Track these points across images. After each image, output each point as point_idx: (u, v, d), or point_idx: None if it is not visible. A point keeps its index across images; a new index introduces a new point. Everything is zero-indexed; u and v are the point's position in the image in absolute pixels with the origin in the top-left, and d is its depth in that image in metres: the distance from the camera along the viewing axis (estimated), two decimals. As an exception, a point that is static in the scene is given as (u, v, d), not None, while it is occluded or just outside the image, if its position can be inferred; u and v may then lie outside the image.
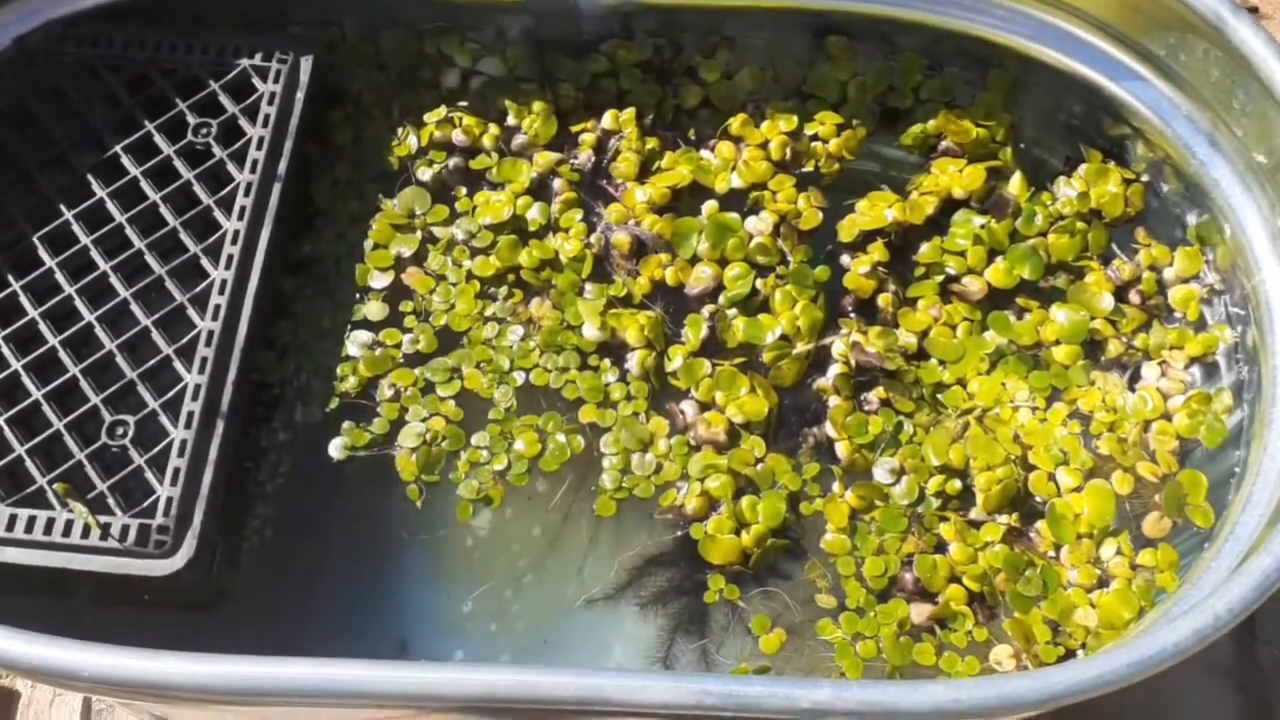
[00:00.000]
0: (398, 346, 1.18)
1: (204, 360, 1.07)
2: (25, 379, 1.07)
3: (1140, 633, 1.00)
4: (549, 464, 1.13)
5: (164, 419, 1.05)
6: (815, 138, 1.28)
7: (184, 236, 1.14)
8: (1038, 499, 1.11)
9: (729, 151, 1.27)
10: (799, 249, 1.22)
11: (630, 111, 1.28)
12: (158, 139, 1.19)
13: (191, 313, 1.10)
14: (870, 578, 1.07)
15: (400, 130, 1.29)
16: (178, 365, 1.07)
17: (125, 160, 1.17)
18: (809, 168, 1.27)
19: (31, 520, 1.00)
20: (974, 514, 1.10)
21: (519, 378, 1.16)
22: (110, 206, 1.15)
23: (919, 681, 0.86)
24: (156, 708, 1.17)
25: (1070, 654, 1.04)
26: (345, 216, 1.25)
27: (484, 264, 1.21)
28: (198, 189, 1.16)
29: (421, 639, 1.06)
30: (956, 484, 1.10)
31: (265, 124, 1.19)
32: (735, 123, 1.28)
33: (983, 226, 1.22)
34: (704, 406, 1.15)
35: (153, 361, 1.08)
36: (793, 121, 1.28)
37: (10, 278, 1.11)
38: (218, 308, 1.09)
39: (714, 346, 1.18)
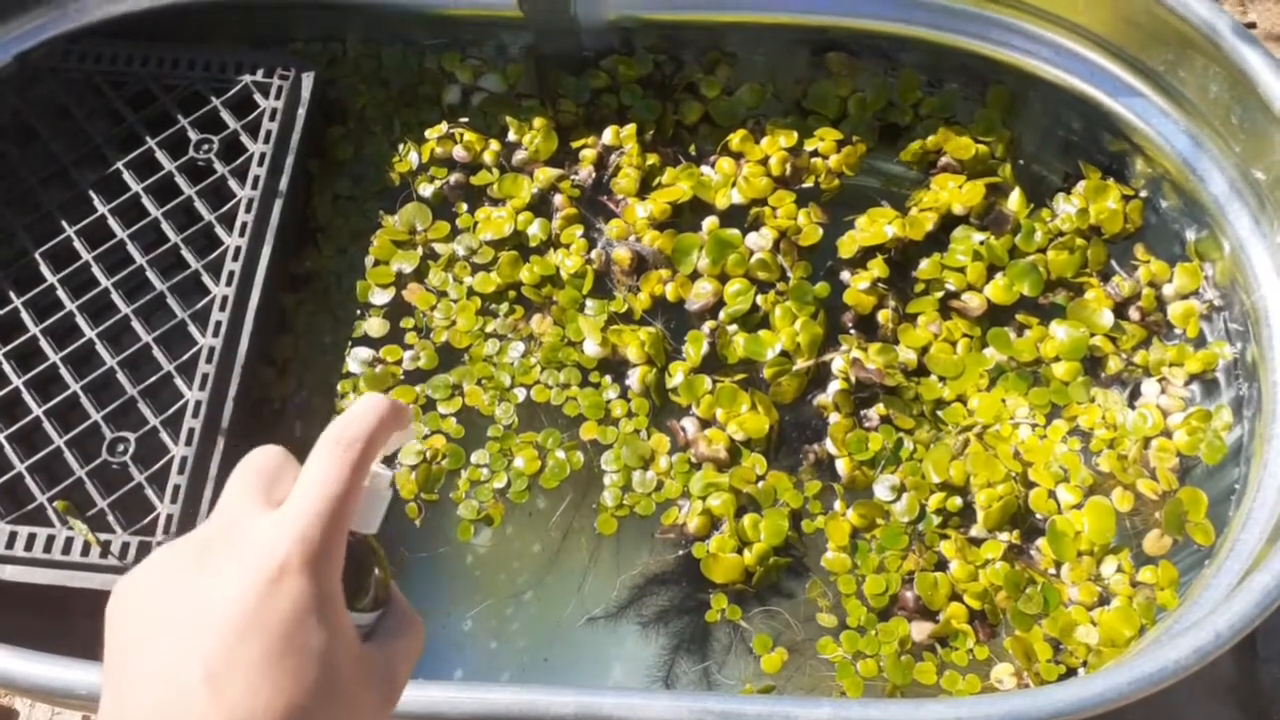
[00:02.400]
0: (399, 363, 1.18)
1: (205, 377, 1.07)
2: (26, 396, 1.07)
3: (1141, 650, 1.00)
4: (549, 481, 1.13)
5: (165, 436, 1.05)
6: (815, 154, 1.28)
7: (185, 253, 1.14)
8: (1038, 516, 1.11)
9: (729, 167, 1.27)
10: (799, 265, 1.22)
11: (631, 127, 1.28)
12: (159, 155, 1.19)
13: (193, 329, 1.10)
14: (871, 596, 1.07)
15: (401, 146, 1.29)
16: (179, 382, 1.07)
17: (127, 176, 1.18)
18: (809, 183, 1.28)
19: (31, 537, 1.00)
20: (975, 531, 1.10)
21: (520, 394, 1.16)
22: (112, 222, 1.15)
23: (920, 700, 0.86)
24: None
25: (1071, 672, 1.04)
26: (346, 232, 1.25)
27: (485, 280, 1.21)
28: (199, 205, 1.16)
29: (421, 657, 1.06)
30: (957, 501, 1.10)
31: (267, 140, 1.19)
32: (735, 138, 1.28)
33: (982, 243, 1.22)
34: (705, 423, 1.15)
35: (154, 378, 1.08)
36: (793, 137, 1.28)
37: (12, 294, 1.12)
38: (219, 324, 1.10)
39: (714, 363, 1.18)
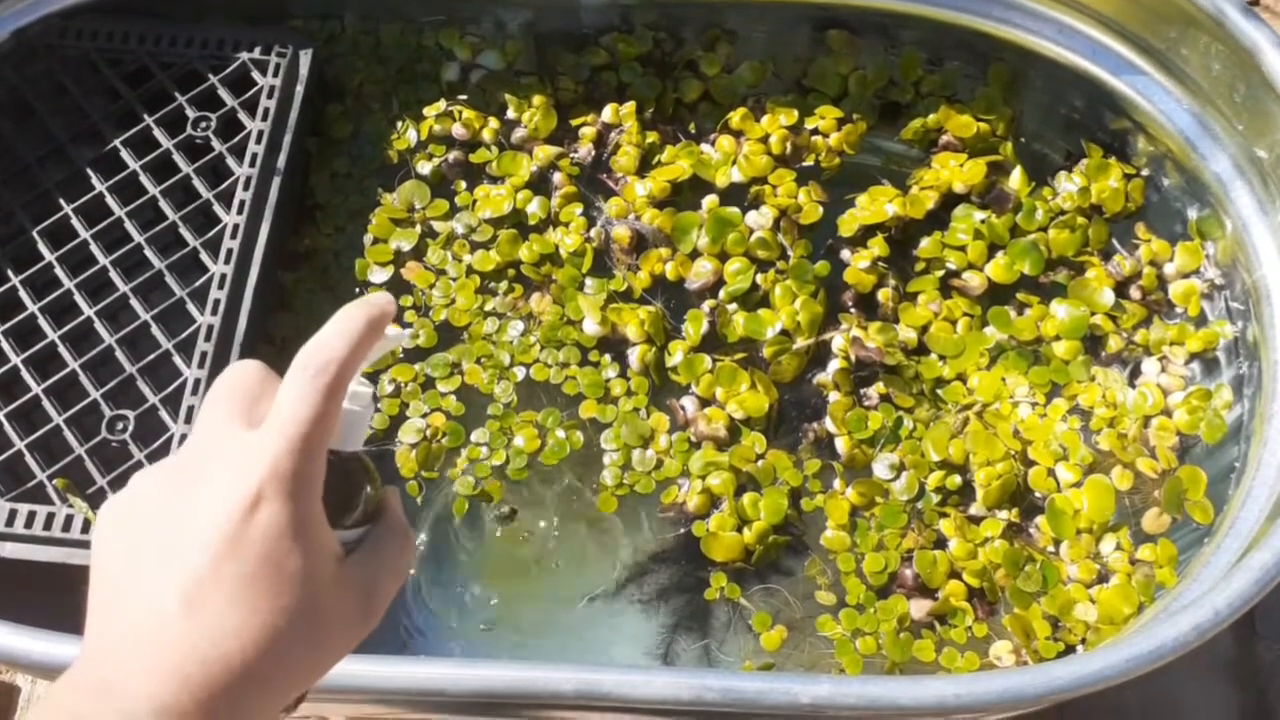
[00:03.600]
0: (397, 341, 1.18)
1: (204, 355, 1.07)
2: (25, 373, 1.07)
3: (1140, 628, 1.00)
4: (549, 459, 1.12)
5: (164, 414, 1.05)
6: (816, 132, 1.28)
7: (183, 230, 1.13)
8: (1037, 494, 1.11)
9: (729, 145, 1.27)
10: (799, 244, 1.22)
11: (630, 105, 1.28)
12: (157, 133, 1.18)
13: (191, 307, 1.10)
14: (870, 574, 1.07)
15: (400, 124, 1.28)
16: (177, 360, 1.07)
17: (124, 154, 1.17)
18: (809, 162, 1.27)
19: (31, 515, 1.00)
20: (974, 509, 1.10)
21: (519, 373, 1.16)
22: (110, 200, 1.15)
23: (919, 677, 0.87)
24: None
25: (1070, 649, 1.04)
26: (345, 210, 1.24)
27: (484, 258, 1.21)
28: (197, 183, 1.16)
29: (420, 635, 1.06)
30: (956, 479, 1.10)
31: (265, 118, 1.19)
32: (735, 117, 1.28)
33: (983, 221, 1.22)
34: (704, 402, 1.15)
35: (152, 356, 1.07)
36: (793, 115, 1.28)
37: (10, 272, 1.11)
38: (217, 302, 1.09)
39: (714, 342, 1.18)
